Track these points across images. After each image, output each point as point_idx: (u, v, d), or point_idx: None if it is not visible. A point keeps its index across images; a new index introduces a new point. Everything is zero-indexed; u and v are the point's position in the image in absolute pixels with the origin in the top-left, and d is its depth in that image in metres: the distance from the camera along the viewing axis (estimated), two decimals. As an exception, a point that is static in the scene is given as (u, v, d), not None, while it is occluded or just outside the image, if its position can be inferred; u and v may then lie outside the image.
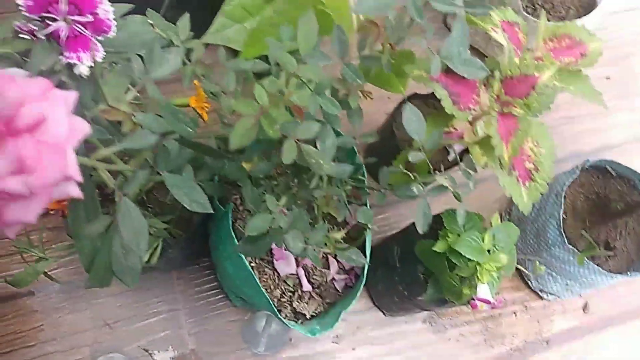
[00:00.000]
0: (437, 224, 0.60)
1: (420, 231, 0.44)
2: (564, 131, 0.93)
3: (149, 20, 0.41)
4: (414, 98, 0.73)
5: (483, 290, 0.57)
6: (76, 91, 0.30)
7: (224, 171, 0.45)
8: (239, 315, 0.77)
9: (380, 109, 0.85)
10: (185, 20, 0.42)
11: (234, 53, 0.57)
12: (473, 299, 0.59)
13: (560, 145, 0.91)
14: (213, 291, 0.78)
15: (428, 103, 0.71)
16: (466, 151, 0.68)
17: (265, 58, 0.49)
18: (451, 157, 0.69)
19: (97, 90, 0.35)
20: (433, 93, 0.71)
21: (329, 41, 0.44)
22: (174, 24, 0.45)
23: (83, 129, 0.26)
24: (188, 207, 0.39)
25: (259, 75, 0.46)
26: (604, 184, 0.75)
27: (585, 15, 0.77)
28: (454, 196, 0.45)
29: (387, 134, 0.73)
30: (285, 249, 0.65)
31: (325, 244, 0.46)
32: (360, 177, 0.54)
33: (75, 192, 0.27)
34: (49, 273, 0.60)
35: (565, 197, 0.71)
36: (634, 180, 0.75)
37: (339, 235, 0.47)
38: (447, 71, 0.46)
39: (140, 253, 0.34)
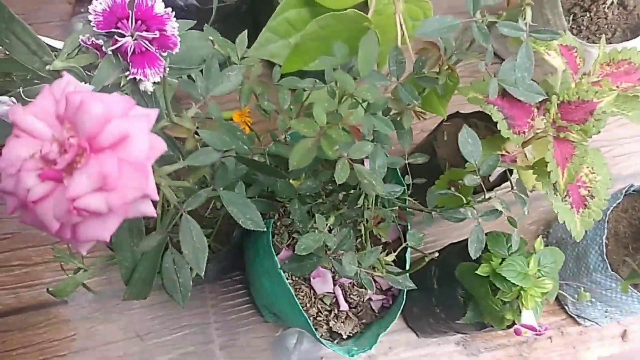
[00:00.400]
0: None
1: (473, 256, 0.44)
2: (604, 153, 0.92)
3: (209, 37, 0.40)
4: (454, 117, 0.72)
5: (527, 317, 0.56)
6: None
7: (275, 188, 0.44)
8: (270, 332, 0.77)
9: (416, 126, 0.84)
10: (243, 37, 0.42)
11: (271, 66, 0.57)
12: (514, 324, 0.58)
13: (598, 168, 0.89)
14: (245, 306, 0.77)
15: (469, 122, 0.71)
16: (507, 172, 0.68)
17: (305, 74, 0.48)
18: (493, 178, 0.68)
19: (160, 106, 0.35)
20: (475, 113, 0.71)
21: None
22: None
23: (161, 147, 0.26)
24: (242, 225, 0.38)
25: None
26: (647, 210, 0.73)
27: (632, 37, 0.76)
28: (509, 222, 0.44)
29: (427, 152, 0.72)
30: (322, 267, 0.64)
31: (374, 268, 0.45)
32: (405, 197, 0.54)
33: (151, 210, 0.26)
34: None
35: (608, 221, 0.69)
36: (678, 207, 0.73)
37: (390, 258, 0.46)
38: (503, 94, 0.46)
39: (200, 271, 0.34)
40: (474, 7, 0.38)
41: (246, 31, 0.42)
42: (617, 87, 0.48)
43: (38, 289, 0.74)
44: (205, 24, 0.44)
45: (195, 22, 0.41)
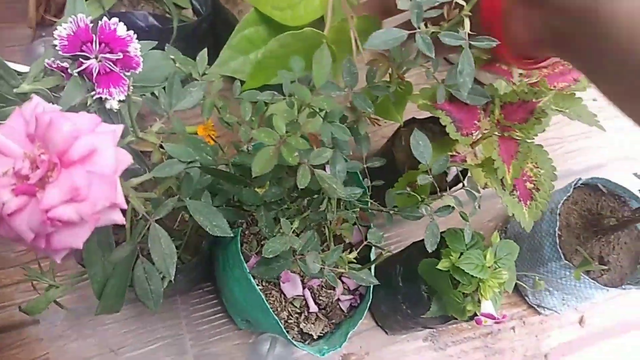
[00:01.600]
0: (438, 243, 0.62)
1: (429, 250, 0.46)
2: (555, 150, 0.97)
3: (170, 56, 0.42)
4: (411, 122, 0.75)
5: (487, 306, 0.59)
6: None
7: (240, 196, 0.47)
8: (243, 339, 0.78)
9: (377, 132, 0.88)
10: (203, 55, 0.44)
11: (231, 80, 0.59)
12: (476, 315, 0.61)
13: (550, 164, 0.94)
14: (217, 315, 0.79)
15: (425, 127, 0.74)
16: (462, 173, 0.71)
17: (266, 88, 0.51)
18: (450, 178, 0.71)
19: (126, 122, 0.36)
20: (430, 117, 0.74)
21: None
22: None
23: (127, 160, 0.28)
24: (209, 231, 0.40)
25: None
26: (596, 201, 0.78)
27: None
28: (461, 216, 0.47)
29: (387, 156, 0.75)
30: (291, 272, 0.66)
31: (337, 265, 0.48)
32: (366, 199, 0.56)
33: (120, 219, 0.28)
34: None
35: (559, 214, 0.74)
36: (624, 197, 0.78)
37: (352, 255, 0.49)
38: (450, 99, 0.49)
39: (170, 276, 0.35)
40: (417, 19, 0.41)
41: (206, 49, 0.44)
42: (554, 87, 0.52)
43: (9, 310, 0.73)
44: (167, 44, 0.46)
45: (157, 42, 0.43)
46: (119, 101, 0.36)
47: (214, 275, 0.78)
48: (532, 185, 0.50)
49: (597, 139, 1.00)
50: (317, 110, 0.44)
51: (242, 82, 0.60)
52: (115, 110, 0.36)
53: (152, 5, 0.70)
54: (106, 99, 0.36)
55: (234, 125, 0.48)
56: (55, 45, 0.34)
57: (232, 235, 0.41)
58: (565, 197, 0.75)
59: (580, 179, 0.77)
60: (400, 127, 0.75)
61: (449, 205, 0.46)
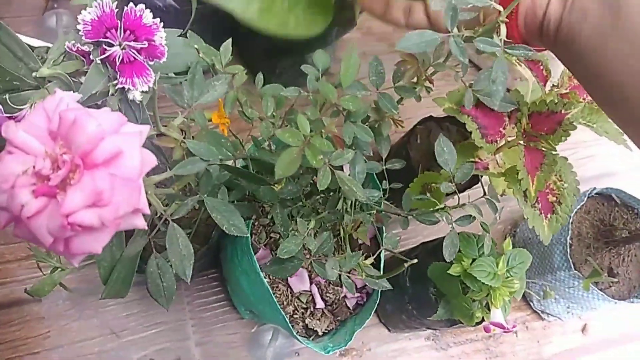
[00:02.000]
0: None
1: (447, 259, 0.45)
2: (568, 157, 0.95)
3: (194, 45, 0.41)
4: (427, 120, 0.74)
5: (497, 315, 0.58)
6: (126, 116, 0.31)
7: (257, 193, 0.45)
8: (245, 328, 0.78)
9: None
10: (227, 46, 0.42)
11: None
12: (483, 321, 0.61)
13: (563, 169, 0.93)
14: (220, 303, 0.78)
15: (442, 126, 0.73)
16: (475, 176, 0.70)
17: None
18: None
19: (147, 115, 0.35)
20: (447, 116, 0.73)
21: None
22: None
23: (152, 161, 0.27)
24: (226, 231, 0.39)
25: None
26: (609, 211, 0.77)
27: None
28: (482, 227, 0.46)
29: (401, 155, 0.74)
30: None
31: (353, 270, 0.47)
32: (382, 201, 0.55)
33: (142, 224, 0.27)
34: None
35: (572, 222, 0.73)
36: (638, 209, 0.77)
37: (369, 261, 0.48)
38: (477, 104, 0.47)
39: (187, 278, 0.34)
40: (451, 22, 0.39)
41: (230, 40, 0.43)
42: (584, 99, 0.51)
43: (11, 287, 0.73)
44: (190, 30, 0.44)
45: (182, 30, 0.41)
46: (142, 92, 0.35)
47: (220, 263, 0.77)
48: (555, 199, 0.49)
49: (609, 146, 0.98)
50: (341, 109, 0.43)
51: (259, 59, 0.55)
52: (138, 102, 0.35)
53: (171, -16, 0.67)
54: (129, 89, 0.34)
55: (254, 119, 0.47)
56: (79, 30, 0.33)
57: (247, 234, 0.40)
58: (578, 207, 0.74)
59: (595, 188, 0.75)
60: (416, 125, 0.74)
61: (470, 215, 0.45)
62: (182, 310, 0.77)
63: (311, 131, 0.39)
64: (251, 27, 0.50)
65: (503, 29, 0.40)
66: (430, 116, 0.73)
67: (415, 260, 0.43)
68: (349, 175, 0.47)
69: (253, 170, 0.45)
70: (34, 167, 0.25)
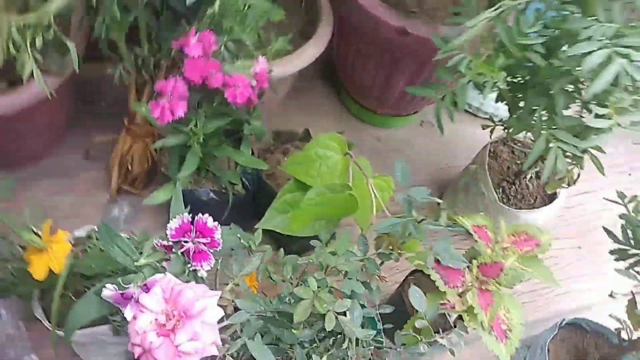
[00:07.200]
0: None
1: (428, 381, 0.60)
2: (547, 293, 1.10)
3: (237, 234, 0.61)
4: (417, 271, 0.91)
5: None
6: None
7: (282, 337, 0.62)
8: None
9: (391, 278, 1.04)
10: (259, 232, 0.62)
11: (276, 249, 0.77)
12: None
13: (544, 306, 1.08)
14: None
15: (427, 275, 0.90)
16: (460, 317, 0.86)
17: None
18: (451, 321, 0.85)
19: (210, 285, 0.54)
20: (432, 268, 0.90)
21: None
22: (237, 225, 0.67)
23: (221, 313, 0.45)
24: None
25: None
26: (582, 338, 0.90)
27: (549, 202, 0.99)
28: (450, 353, 0.61)
29: (398, 301, 0.90)
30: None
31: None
32: (380, 338, 0.71)
33: (215, 351, 0.44)
34: None
35: (549, 350, 0.86)
36: (607, 335, 0.90)
37: (371, 388, 0.62)
38: (438, 260, 0.66)
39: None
40: (408, 209, 0.59)
41: (261, 230, 0.63)
42: (520, 250, 0.69)
43: None
44: (232, 223, 0.65)
45: (230, 227, 0.62)
46: (207, 271, 0.54)
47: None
48: (506, 327, 0.64)
49: (584, 283, 1.13)
50: (340, 270, 0.62)
51: (281, 235, 0.77)
52: (204, 278, 0.54)
53: (212, 182, 0.91)
54: (198, 269, 0.54)
55: (278, 281, 0.65)
56: (166, 234, 0.53)
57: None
58: (552, 335, 0.87)
59: (564, 319, 0.90)
60: (408, 276, 0.91)
61: (444, 345, 0.61)
62: None
63: (318, 287, 0.57)
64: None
65: (444, 215, 0.60)
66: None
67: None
68: (350, 319, 0.64)
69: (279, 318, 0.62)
70: (156, 319, 0.43)
